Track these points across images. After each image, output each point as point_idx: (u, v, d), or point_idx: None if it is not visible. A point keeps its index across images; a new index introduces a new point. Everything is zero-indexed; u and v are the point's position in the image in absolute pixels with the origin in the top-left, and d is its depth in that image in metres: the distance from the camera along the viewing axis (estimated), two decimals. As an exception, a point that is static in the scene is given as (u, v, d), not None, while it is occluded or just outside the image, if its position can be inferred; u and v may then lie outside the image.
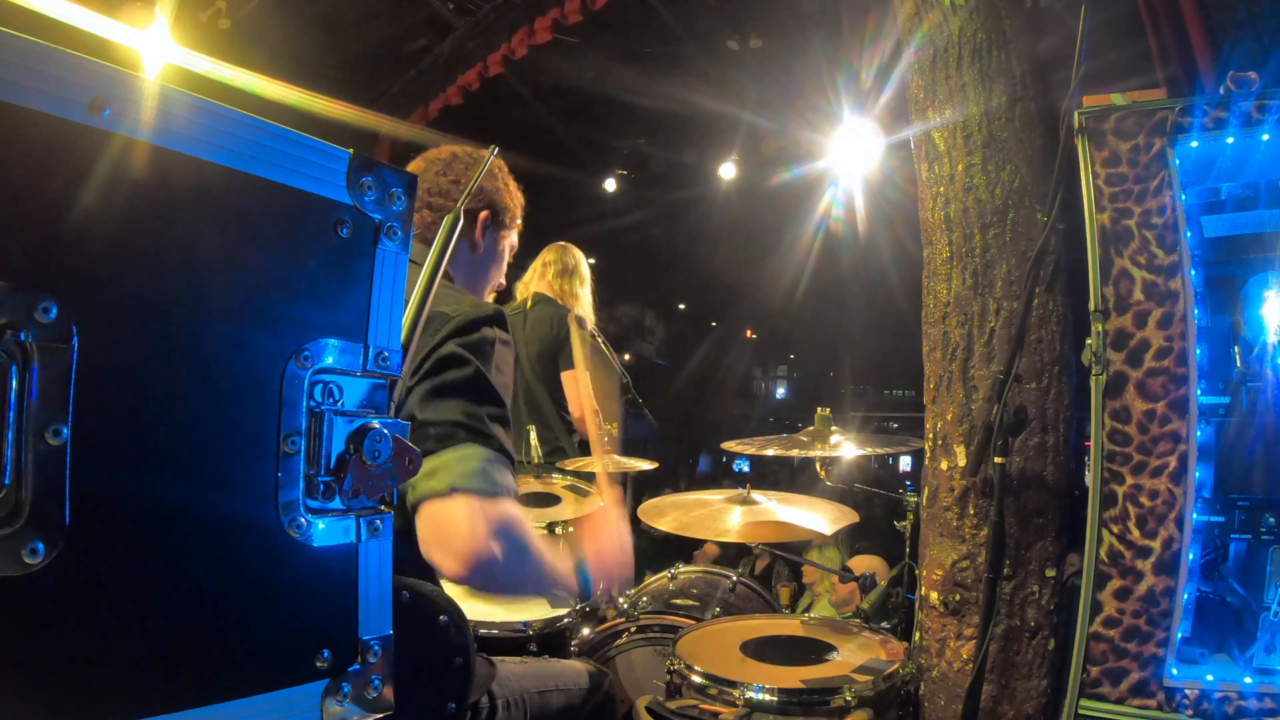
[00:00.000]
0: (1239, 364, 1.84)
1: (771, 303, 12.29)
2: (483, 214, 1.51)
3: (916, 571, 2.11)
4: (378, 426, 0.70)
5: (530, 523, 1.18)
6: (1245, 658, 1.68)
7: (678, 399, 14.99)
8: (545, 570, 1.20)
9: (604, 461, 2.16)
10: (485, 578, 1.09)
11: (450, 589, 1.28)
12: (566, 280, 3.28)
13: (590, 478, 2.82)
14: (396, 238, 0.74)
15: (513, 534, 1.09)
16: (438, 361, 1.14)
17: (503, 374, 1.22)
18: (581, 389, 3.17)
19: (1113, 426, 1.73)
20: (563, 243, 3.41)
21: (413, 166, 1.54)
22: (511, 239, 1.61)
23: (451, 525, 1.05)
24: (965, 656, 1.90)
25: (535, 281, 3.33)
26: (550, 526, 2.30)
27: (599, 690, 1.58)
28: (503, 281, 1.63)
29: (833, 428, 2.27)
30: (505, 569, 1.08)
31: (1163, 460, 1.69)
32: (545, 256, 3.37)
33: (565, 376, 3.18)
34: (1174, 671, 1.66)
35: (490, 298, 1.61)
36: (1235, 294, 1.87)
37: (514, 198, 1.59)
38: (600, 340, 3.37)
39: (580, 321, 3.20)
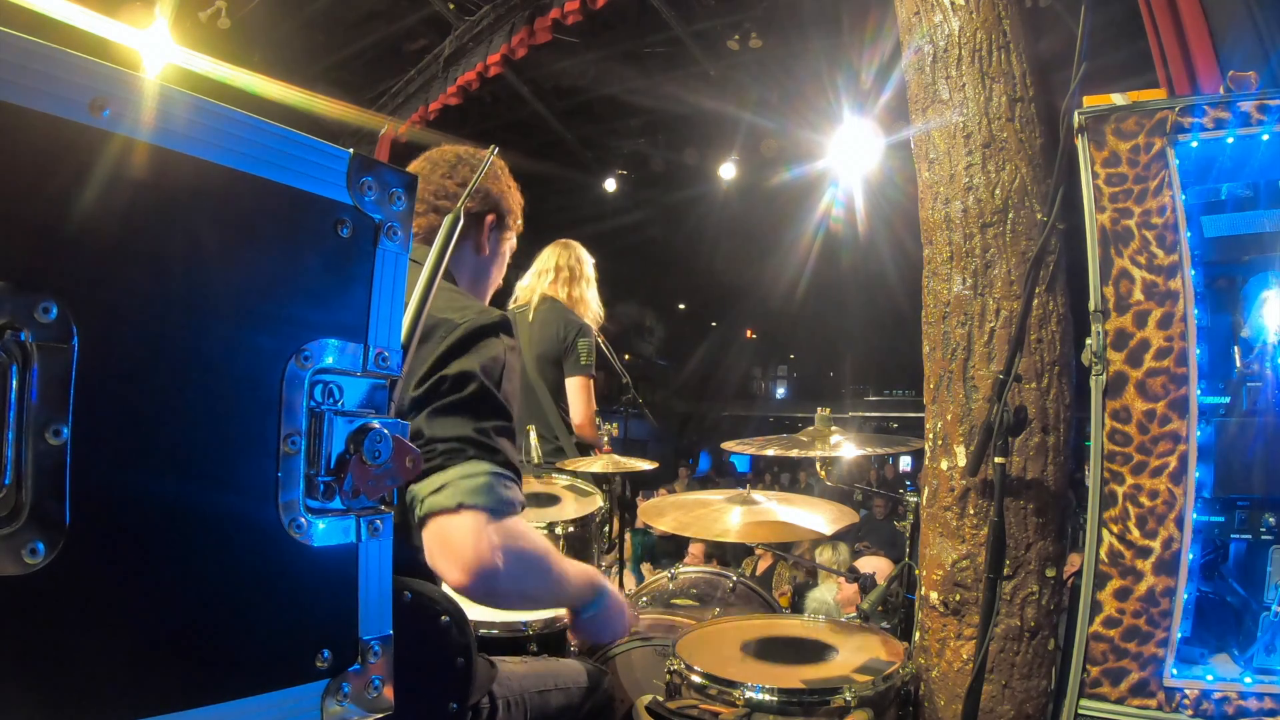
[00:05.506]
0: (1239, 364, 1.83)
1: (771, 303, 12.30)
2: (489, 217, 1.52)
3: (916, 571, 2.11)
4: (378, 426, 0.70)
5: (538, 537, 1.22)
6: (1245, 658, 1.68)
7: (678, 399, 14.99)
8: (558, 583, 1.24)
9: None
10: (488, 588, 1.11)
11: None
12: (574, 284, 3.26)
13: (590, 478, 2.82)
14: (396, 238, 0.74)
15: (518, 549, 1.13)
16: (442, 381, 1.15)
17: (510, 382, 1.23)
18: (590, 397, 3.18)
19: (1113, 426, 1.73)
20: (565, 240, 3.36)
21: (415, 166, 1.54)
22: (512, 240, 1.62)
23: (458, 540, 1.08)
24: (965, 656, 1.90)
25: (541, 284, 3.29)
26: (550, 526, 2.30)
27: (598, 689, 1.58)
28: (500, 281, 1.64)
29: (833, 428, 2.27)
30: (509, 581, 1.12)
31: (1163, 460, 1.69)
32: (550, 259, 3.32)
33: (571, 383, 3.17)
34: (1174, 671, 1.66)
35: (489, 297, 1.62)
36: (1235, 294, 1.87)
37: (516, 200, 1.60)
38: (601, 341, 3.37)
39: (588, 329, 3.20)
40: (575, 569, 1.32)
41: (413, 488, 1.12)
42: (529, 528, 1.19)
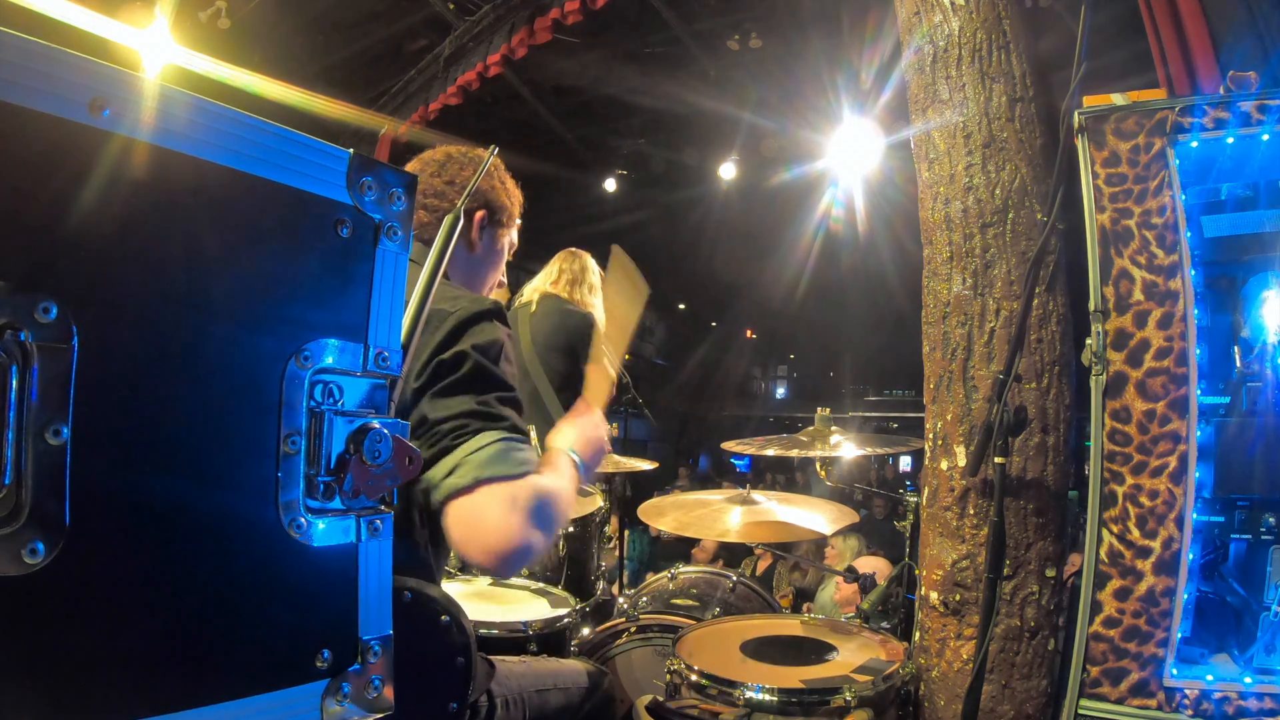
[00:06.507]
0: (1239, 364, 1.83)
1: (771, 303, 12.30)
2: (479, 214, 1.50)
3: (916, 571, 2.11)
4: (378, 426, 0.70)
5: (550, 477, 1.18)
6: (1245, 658, 1.68)
7: (678, 399, 14.98)
8: (571, 498, 1.22)
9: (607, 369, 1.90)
10: (521, 563, 1.08)
11: (450, 589, 1.29)
12: (576, 287, 3.30)
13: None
14: (396, 238, 0.74)
15: (544, 507, 1.09)
16: (440, 365, 1.14)
17: (509, 364, 1.23)
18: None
19: (1113, 426, 1.73)
20: (574, 249, 3.41)
21: (408, 169, 1.54)
22: (511, 237, 1.60)
23: (482, 519, 1.05)
24: (965, 656, 1.90)
25: (544, 285, 3.33)
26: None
27: (598, 690, 1.58)
28: (503, 280, 1.63)
29: (833, 428, 2.27)
30: (541, 541, 1.08)
31: (1163, 460, 1.69)
32: (556, 264, 3.35)
33: (590, 368, 3.19)
34: (1174, 672, 1.66)
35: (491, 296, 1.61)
36: (1235, 294, 1.87)
37: (511, 196, 1.58)
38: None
39: (593, 319, 3.21)
40: (567, 473, 1.27)
41: (425, 476, 1.08)
42: (543, 476, 1.15)
